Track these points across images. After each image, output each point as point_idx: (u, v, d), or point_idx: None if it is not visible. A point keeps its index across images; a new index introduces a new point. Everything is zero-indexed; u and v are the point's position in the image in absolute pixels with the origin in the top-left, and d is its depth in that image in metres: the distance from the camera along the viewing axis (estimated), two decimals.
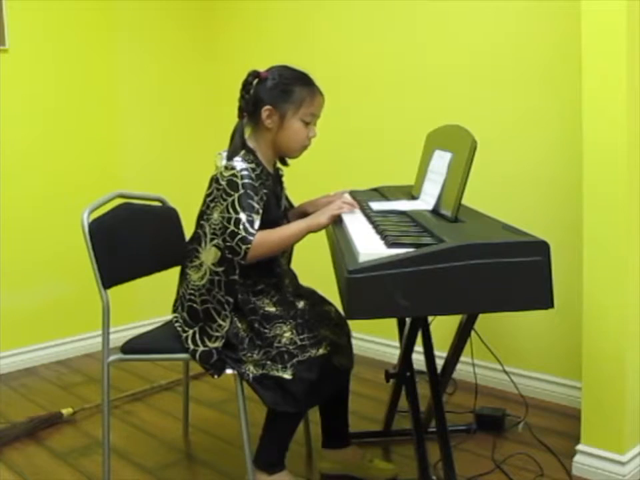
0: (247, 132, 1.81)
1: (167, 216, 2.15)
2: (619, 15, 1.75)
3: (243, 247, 1.64)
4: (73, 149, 3.23)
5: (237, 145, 1.77)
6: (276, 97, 1.76)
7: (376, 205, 1.84)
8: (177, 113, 3.61)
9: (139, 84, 3.45)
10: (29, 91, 3.07)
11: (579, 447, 1.97)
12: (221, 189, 1.70)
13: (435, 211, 1.67)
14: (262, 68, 1.82)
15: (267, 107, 1.76)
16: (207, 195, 1.77)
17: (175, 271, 2.00)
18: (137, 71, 3.44)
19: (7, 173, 3.01)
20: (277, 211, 1.83)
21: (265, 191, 1.73)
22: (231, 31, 3.61)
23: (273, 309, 1.77)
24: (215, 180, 1.74)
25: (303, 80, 1.80)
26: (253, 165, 1.73)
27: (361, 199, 1.95)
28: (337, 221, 1.72)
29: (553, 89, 2.40)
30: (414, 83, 2.83)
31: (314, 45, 3.19)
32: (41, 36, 3.08)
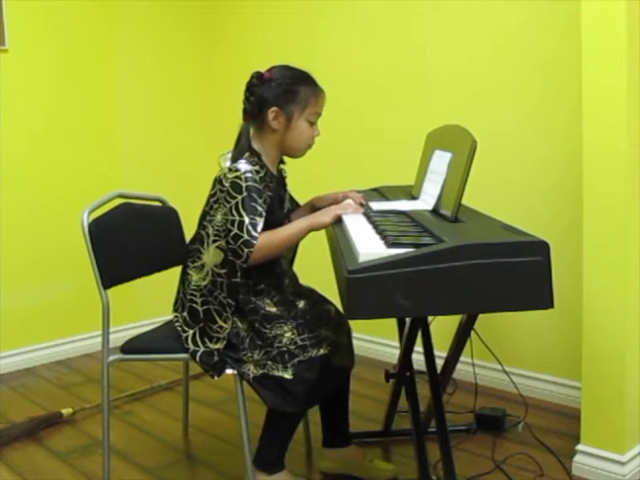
0: (251, 133, 1.81)
1: (167, 216, 2.15)
2: (619, 15, 1.75)
3: (246, 250, 1.64)
4: (73, 149, 3.23)
5: (243, 147, 1.75)
6: (281, 98, 1.75)
7: (376, 205, 1.84)
8: (177, 113, 3.61)
9: (139, 84, 3.45)
10: (29, 91, 3.07)
11: (579, 447, 1.97)
12: (224, 191, 1.69)
13: (435, 211, 1.67)
14: (263, 67, 1.82)
15: (273, 108, 1.75)
16: (211, 196, 1.77)
17: (175, 271, 2.00)
18: (136, 70, 3.44)
19: (6, 173, 3.01)
20: (279, 212, 1.83)
21: (268, 193, 1.73)
22: (231, 31, 3.61)
23: (273, 309, 1.77)
24: (218, 181, 1.74)
25: (306, 80, 1.80)
26: (257, 167, 1.72)
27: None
28: (337, 220, 1.72)
29: (552, 89, 2.40)
30: (414, 82, 2.83)
31: (314, 44, 3.18)
32: (41, 36, 3.08)
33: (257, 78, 1.78)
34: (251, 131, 1.80)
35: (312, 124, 1.80)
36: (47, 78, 3.12)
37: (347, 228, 1.57)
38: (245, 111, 1.79)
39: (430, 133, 2.04)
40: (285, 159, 1.90)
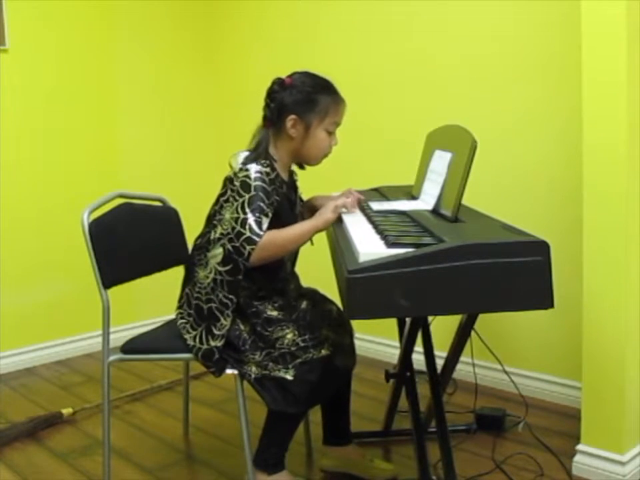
0: None
1: (167, 216, 2.15)
2: (619, 15, 1.75)
3: (248, 247, 1.64)
4: (73, 148, 3.23)
5: (260, 154, 1.74)
6: (301, 106, 1.75)
7: (376, 205, 1.84)
8: (177, 113, 3.61)
9: (140, 84, 3.45)
10: (29, 90, 3.07)
11: (579, 446, 1.97)
12: (234, 190, 1.69)
13: (435, 211, 1.67)
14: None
15: (292, 116, 1.75)
16: (221, 195, 1.77)
17: (175, 271, 2.00)
18: (137, 70, 3.44)
19: (7, 173, 3.01)
20: (291, 215, 1.82)
21: (276, 197, 1.72)
22: (231, 31, 3.61)
23: (275, 313, 1.77)
24: (229, 180, 1.74)
25: (327, 89, 1.79)
26: (267, 169, 1.71)
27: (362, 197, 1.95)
28: (337, 220, 1.72)
29: (553, 88, 2.40)
30: (414, 82, 2.83)
31: (314, 45, 3.18)
32: (41, 35, 3.08)
33: (278, 84, 1.77)
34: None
35: (330, 133, 1.79)
36: (47, 78, 3.12)
37: (347, 228, 1.57)
38: (265, 117, 1.78)
39: (430, 133, 2.04)
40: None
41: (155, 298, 3.15)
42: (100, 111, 3.32)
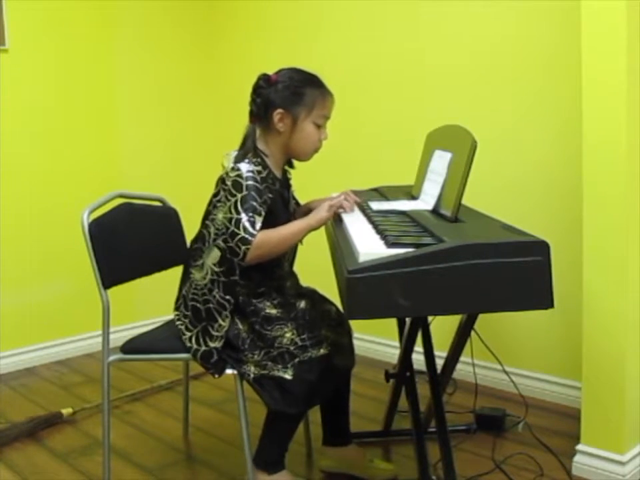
0: (257, 134, 1.80)
1: (167, 216, 2.15)
2: (619, 15, 1.75)
3: (243, 247, 1.64)
4: (73, 148, 3.23)
5: (248, 149, 1.75)
6: (287, 100, 1.75)
7: (376, 205, 1.84)
8: (177, 113, 3.61)
9: (140, 84, 3.45)
10: (29, 91, 3.07)
11: (579, 446, 1.97)
12: (226, 190, 1.70)
13: (435, 211, 1.67)
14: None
15: (279, 110, 1.75)
16: (214, 195, 1.77)
17: (175, 271, 2.00)
18: (137, 70, 3.44)
19: (7, 173, 3.01)
20: (285, 213, 1.83)
21: (269, 195, 1.72)
22: (231, 31, 3.61)
23: (274, 311, 1.77)
24: (221, 180, 1.74)
25: (313, 82, 1.79)
26: (259, 168, 1.72)
27: (361, 199, 1.95)
28: (337, 220, 1.72)
29: (552, 88, 2.40)
30: (414, 83, 2.83)
31: (314, 45, 3.19)
32: (41, 36, 3.08)
33: (264, 80, 1.77)
34: (258, 132, 1.80)
35: (319, 127, 1.79)
36: (47, 78, 3.12)
37: (347, 228, 1.57)
38: (251, 113, 1.79)
39: (430, 133, 2.04)
40: (296, 163, 1.89)
41: (154, 298, 3.15)
42: (100, 111, 3.32)
